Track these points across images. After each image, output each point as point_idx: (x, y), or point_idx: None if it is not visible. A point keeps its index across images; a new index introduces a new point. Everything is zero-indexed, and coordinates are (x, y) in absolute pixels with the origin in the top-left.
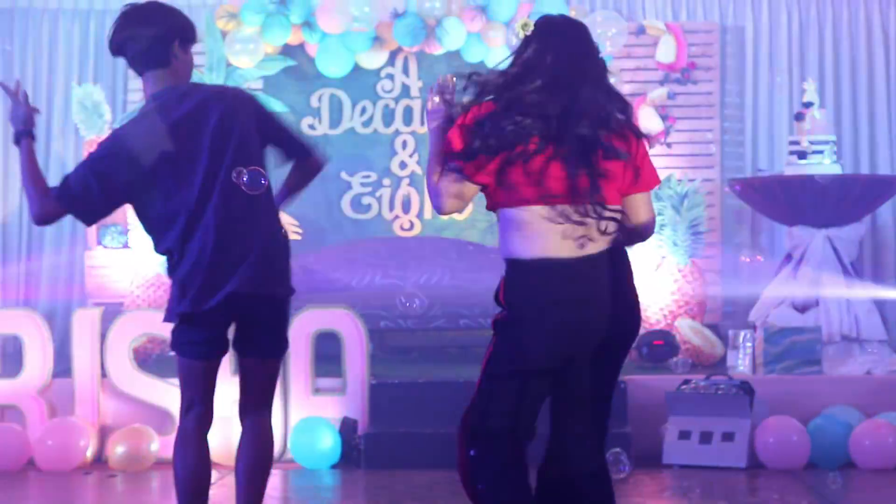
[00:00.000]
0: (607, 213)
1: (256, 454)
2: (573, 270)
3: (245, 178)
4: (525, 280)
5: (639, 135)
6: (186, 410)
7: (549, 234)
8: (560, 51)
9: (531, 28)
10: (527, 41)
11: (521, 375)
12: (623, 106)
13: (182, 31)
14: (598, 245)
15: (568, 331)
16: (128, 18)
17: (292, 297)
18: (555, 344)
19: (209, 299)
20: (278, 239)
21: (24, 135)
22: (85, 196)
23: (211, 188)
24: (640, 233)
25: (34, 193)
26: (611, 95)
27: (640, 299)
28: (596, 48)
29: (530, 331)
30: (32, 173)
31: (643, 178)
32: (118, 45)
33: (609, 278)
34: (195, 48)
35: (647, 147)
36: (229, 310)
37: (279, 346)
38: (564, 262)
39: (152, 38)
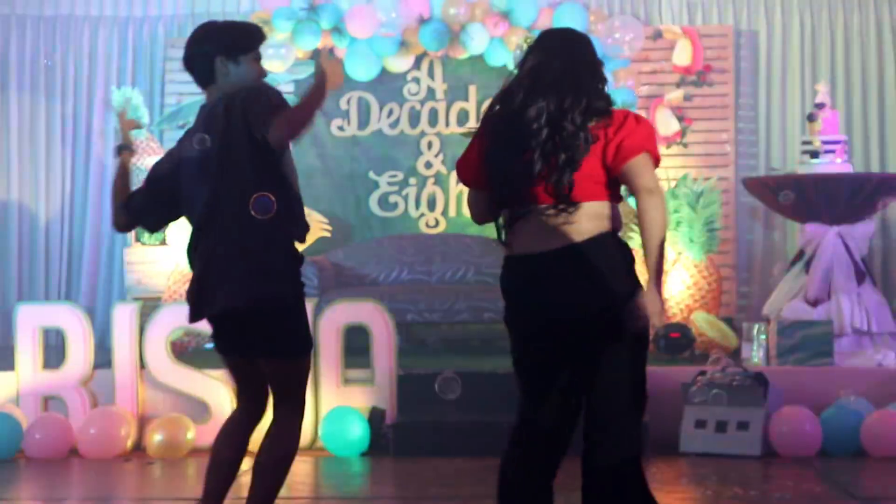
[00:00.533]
0: (565, 210)
1: (265, 450)
2: (534, 265)
3: (254, 204)
4: (502, 273)
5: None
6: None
7: (519, 233)
8: (545, 59)
9: (532, 41)
10: (526, 53)
11: (520, 361)
12: (588, 104)
13: (225, 47)
14: (560, 240)
15: (528, 311)
16: (186, 43)
17: (286, 304)
18: (524, 320)
19: (198, 313)
20: (268, 254)
21: (122, 149)
22: (143, 211)
23: (213, 204)
24: (645, 204)
25: (113, 205)
26: (582, 96)
27: (615, 294)
28: (583, 55)
29: (507, 307)
30: (116, 187)
31: (625, 147)
32: (187, 70)
33: (571, 272)
34: None
35: (637, 126)
36: (220, 321)
37: (271, 348)
38: (528, 257)
39: (195, 59)
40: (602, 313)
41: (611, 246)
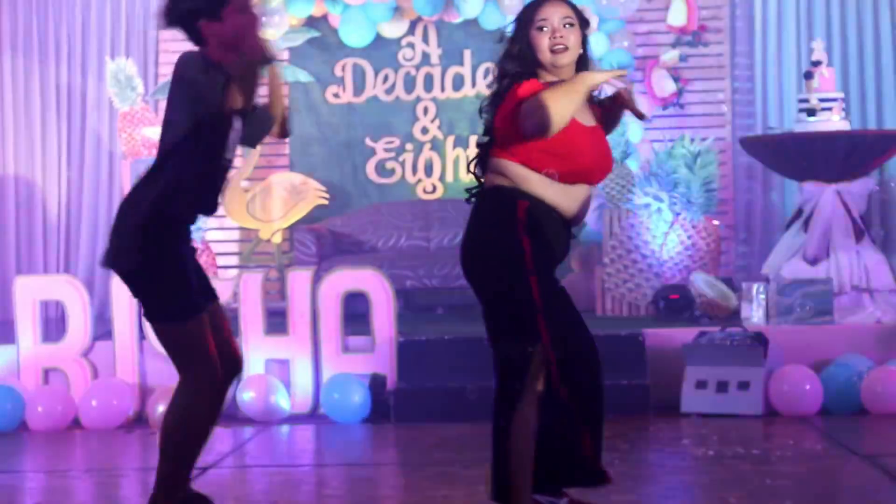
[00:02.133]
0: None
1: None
2: None
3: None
4: None
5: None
6: None
7: None
8: None
9: None
10: None
11: None
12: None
13: (205, 7)
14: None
15: None
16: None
17: (138, 270)
18: None
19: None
20: (124, 214)
21: None
22: None
23: None
24: None
25: None
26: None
27: (477, 248)
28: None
29: None
30: None
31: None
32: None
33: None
34: None
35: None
36: None
37: (146, 312)
38: None
39: (179, 22)
40: (464, 264)
41: (491, 200)
